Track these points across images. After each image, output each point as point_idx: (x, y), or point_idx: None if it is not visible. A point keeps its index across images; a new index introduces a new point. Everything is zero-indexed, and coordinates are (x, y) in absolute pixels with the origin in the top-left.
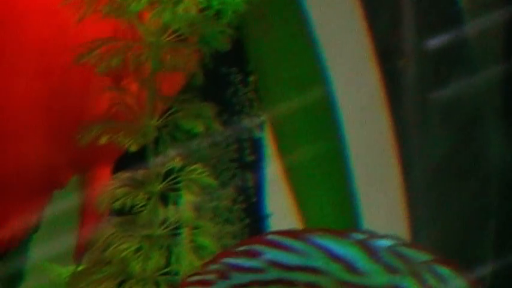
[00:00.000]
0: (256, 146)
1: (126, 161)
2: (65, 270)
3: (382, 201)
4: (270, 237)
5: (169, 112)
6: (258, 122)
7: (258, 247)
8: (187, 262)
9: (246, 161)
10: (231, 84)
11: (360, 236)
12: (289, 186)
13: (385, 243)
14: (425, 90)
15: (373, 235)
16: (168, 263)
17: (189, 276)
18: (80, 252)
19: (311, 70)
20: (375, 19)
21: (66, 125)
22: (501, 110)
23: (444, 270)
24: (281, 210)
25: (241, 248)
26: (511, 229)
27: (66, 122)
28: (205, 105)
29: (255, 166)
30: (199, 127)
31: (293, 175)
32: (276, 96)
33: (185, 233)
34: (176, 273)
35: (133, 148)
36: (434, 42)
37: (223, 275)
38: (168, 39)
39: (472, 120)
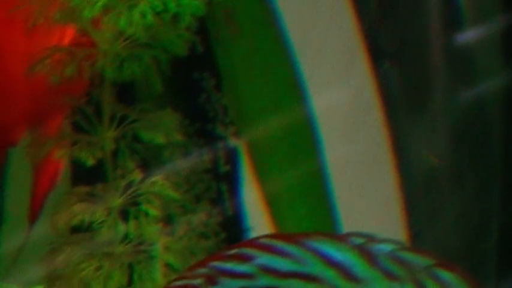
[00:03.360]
0: (232, 155)
1: (84, 175)
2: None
3: (376, 202)
4: (262, 240)
5: (127, 122)
6: (233, 130)
7: (249, 251)
8: (150, 281)
9: (221, 172)
10: (203, 90)
11: (359, 240)
12: (267, 208)
13: (384, 247)
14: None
15: (373, 239)
16: (130, 282)
17: (174, 280)
18: (34, 211)
19: (286, 74)
20: (365, 15)
21: (12, 82)
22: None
23: (447, 275)
24: (259, 229)
25: (232, 252)
26: None
27: (11, 80)
28: (166, 114)
29: (231, 176)
30: (159, 138)
31: (271, 196)
32: (249, 103)
33: (148, 249)
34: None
35: (90, 162)
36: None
37: (210, 280)
38: (123, 45)
39: (473, 121)
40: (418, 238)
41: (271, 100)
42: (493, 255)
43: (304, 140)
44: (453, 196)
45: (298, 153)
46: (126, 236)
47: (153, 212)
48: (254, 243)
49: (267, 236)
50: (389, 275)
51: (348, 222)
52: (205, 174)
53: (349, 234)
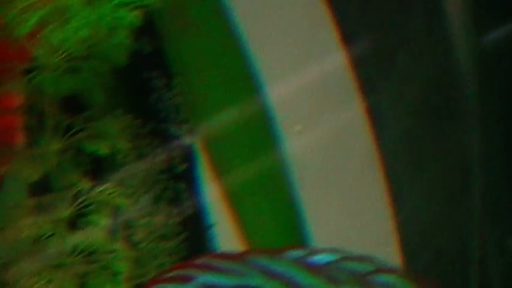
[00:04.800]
0: (188, 154)
1: (32, 187)
2: None
3: (342, 190)
4: (201, 260)
5: (71, 133)
6: (187, 128)
7: (189, 271)
8: None
9: (177, 171)
10: (154, 89)
11: (298, 253)
12: (229, 207)
13: (324, 258)
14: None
15: (313, 251)
16: None
17: None
18: None
19: (239, 67)
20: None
21: None
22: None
23: (389, 278)
24: (222, 230)
25: (172, 274)
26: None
27: None
28: (112, 121)
29: (189, 175)
30: (103, 148)
31: (233, 195)
32: (203, 99)
33: (100, 259)
34: None
35: (34, 178)
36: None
37: None
38: (60, 59)
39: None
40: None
41: (225, 95)
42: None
43: (261, 133)
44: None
45: (256, 147)
46: (76, 247)
47: (102, 221)
48: (193, 264)
49: (205, 255)
50: (334, 281)
51: (313, 214)
52: (161, 175)
53: (288, 248)
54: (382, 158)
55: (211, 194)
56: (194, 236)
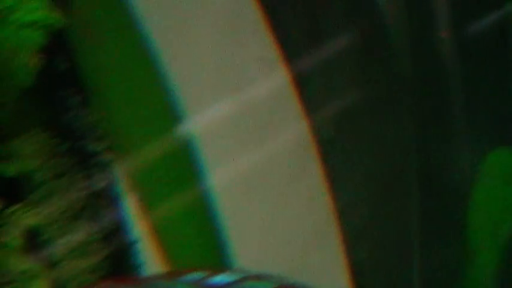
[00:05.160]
0: (106, 171)
1: None
2: None
3: (260, 216)
4: (103, 285)
5: None
6: (105, 145)
7: None
8: None
9: (97, 188)
10: (70, 108)
11: (199, 275)
12: (154, 230)
13: (224, 279)
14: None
15: (212, 273)
16: None
17: None
18: None
19: (154, 81)
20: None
21: None
22: None
23: None
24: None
25: None
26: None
27: None
28: (20, 144)
29: (107, 192)
30: (10, 170)
31: (157, 220)
32: (120, 117)
33: (13, 281)
34: None
35: None
36: None
37: None
38: None
39: None
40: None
41: (141, 109)
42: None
43: (183, 160)
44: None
45: (179, 176)
46: None
47: (13, 242)
48: None
49: (107, 280)
50: None
51: (236, 239)
52: (81, 192)
53: (188, 271)
54: (318, 147)
55: (132, 209)
56: (116, 252)
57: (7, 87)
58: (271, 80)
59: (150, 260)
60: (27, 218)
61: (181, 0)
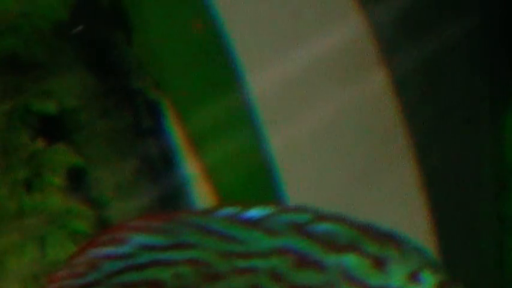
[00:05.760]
0: (153, 109)
1: None
2: None
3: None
4: (134, 223)
5: (18, 92)
6: (150, 82)
7: (123, 234)
8: (64, 250)
9: (143, 126)
10: (114, 45)
11: (231, 210)
12: (193, 147)
13: (258, 213)
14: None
15: (245, 207)
16: (44, 254)
17: (57, 270)
18: None
19: (200, 14)
20: None
21: None
22: None
23: (331, 226)
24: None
25: (107, 237)
26: None
27: None
28: (58, 81)
29: (156, 130)
30: (50, 107)
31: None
32: (164, 54)
33: (57, 219)
34: (54, 263)
35: None
36: None
37: (93, 266)
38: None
39: None
40: None
41: (186, 49)
42: None
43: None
44: None
45: (218, 89)
46: (34, 208)
47: (56, 180)
48: (127, 226)
49: (138, 218)
50: (272, 233)
51: (279, 150)
52: (127, 131)
53: (220, 206)
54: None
55: (182, 149)
56: (166, 192)
57: (42, 23)
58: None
59: (202, 200)
60: (70, 157)
61: None
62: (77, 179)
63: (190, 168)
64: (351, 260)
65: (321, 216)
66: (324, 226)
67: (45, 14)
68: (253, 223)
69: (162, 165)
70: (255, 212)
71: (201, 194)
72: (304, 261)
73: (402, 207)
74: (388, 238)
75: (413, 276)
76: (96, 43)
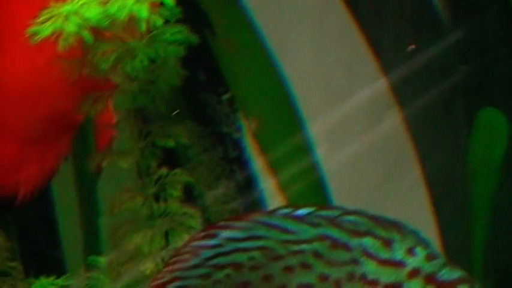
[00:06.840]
0: (237, 144)
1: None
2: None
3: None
4: (222, 222)
5: (148, 135)
6: (235, 127)
7: (214, 231)
8: (182, 241)
9: (231, 157)
10: (209, 104)
11: (287, 210)
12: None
13: (304, 211)
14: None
15: (296, 208)
16: (167, 243)
17: (170, 258)
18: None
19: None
20: None
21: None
22: None
23: (353, 218)
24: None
25: (202, 234)
26: None
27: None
28: (177, 125)
29: (239, 159)
30: (170, 143)
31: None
32: (250, 105)
33: (177, 219)
34: (175, 249)
35: (125, 165)
36: None
37: (195, 254)
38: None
39: None
40: None
41: (265, 99)
42: None
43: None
44: None
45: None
46: (161, 212)
47: (176, 193)
48: (217, 225)
49: (223, 220)
50: (314, 225)
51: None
52: (220, 160)
53: (279, 208)
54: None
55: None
56: (248, 199)
57: (162, 86)
58: None
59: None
60: (184, 178)
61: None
62: (189, 193)
63: (267, 185)
64: (368, 241)
65: (346, 212)
66: (349, 218)
67: (165, 81)
68: (301, 218)
69: (245, 183)
70: (302, 211)
71: (275, 203)
72: (336, 244)
73: (409, 206)
74: (393, 225)
75: (410, 251)
76: (198, 100)
